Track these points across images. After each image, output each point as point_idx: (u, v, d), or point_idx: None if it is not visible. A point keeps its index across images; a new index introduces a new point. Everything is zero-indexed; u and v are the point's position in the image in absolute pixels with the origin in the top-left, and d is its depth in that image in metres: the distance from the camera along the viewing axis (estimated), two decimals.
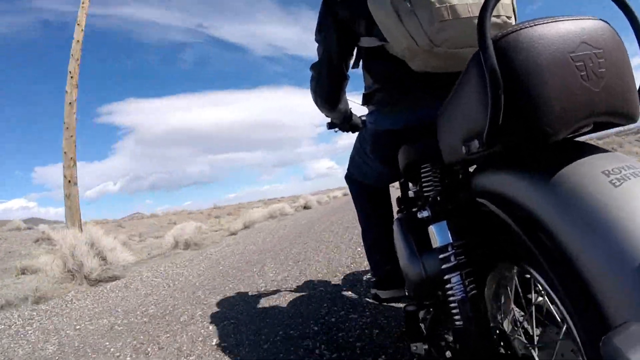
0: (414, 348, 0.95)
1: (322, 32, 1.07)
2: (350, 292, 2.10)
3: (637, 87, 0.56)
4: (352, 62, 1.11)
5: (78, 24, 6.58)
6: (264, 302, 2.16)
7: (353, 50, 1.08)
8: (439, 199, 0.87)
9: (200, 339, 1.77)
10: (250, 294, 2.41)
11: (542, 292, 0.66)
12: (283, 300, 2.17)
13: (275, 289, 2.43)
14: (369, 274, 2.28)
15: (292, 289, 2.34)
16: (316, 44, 1.11)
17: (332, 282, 2.37)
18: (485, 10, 0.52)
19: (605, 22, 0.55)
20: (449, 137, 0.68)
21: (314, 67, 1.15)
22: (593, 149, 0.53)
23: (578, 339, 0.44)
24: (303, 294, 2.22)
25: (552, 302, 0.51)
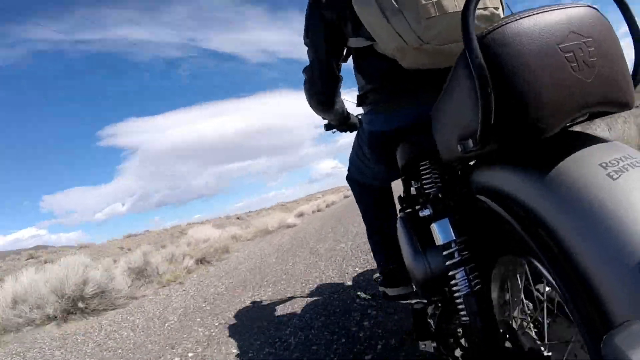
0: (423, 346, 0.94)
1: (311, 35, 1.06)
2: (361, 292, 2.10)
3: (631, 73, 0.55)
4: (341, 61, 1.10)
5: None
6: (279, 310, 2.17)
7: (342, 51, 1.07)
8: (440, 196, 0.87)
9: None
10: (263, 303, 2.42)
11: (548, 285, 0.65)
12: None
13: (290, 295, 2.43)
14: (377, 273, 2.28)
15: (305, 295, 2.35)
16: (306, 48, 1.10)
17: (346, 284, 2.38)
18: (468, 8, 0.51)
19: (594, 8, 0.54)
20: (444, 136, 0.67)
21: (305, 70, 1.14)
22: (590, 139, 0.53)
23: (582, 335, 0.44)
24: (317, 298, 2.23)
25: (557, 294, 0.50)
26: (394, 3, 0.77)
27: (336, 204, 17.51)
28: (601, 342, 0.32)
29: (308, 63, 1.13)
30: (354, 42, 0.98)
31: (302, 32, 1.08)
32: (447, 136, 0.65)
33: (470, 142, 0.56)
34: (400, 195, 1.17)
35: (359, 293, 2.02)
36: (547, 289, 0.66)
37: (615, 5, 0.58)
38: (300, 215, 12.01)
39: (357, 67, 1.06)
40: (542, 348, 0.63)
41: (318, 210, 14.23)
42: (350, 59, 1.09)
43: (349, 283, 2.36)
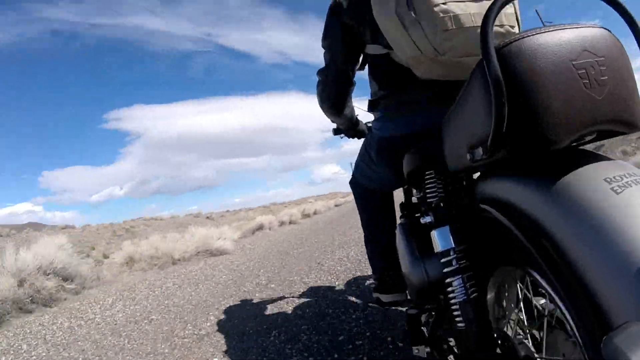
0: (416, 351, 0.95)
1: (328, 39, 1.08)
2: (353, 298, 2.10)
3: None
4: (357, 67, 1.12)
5: None
6: (270, 310, 2.14)
7: (359, 56, 1.09)
8: (442, 204, 0.88)
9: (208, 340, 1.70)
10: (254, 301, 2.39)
11: (545, 295, 0.66)
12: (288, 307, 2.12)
13: (280, 295, 2.41)
14: (372, 279, 2.29)
15: (297, 296, 2.34)
16: (322, 50, 1.13)
17: (337, 288, 2.37)
18: (487, 19, 0.53)
19: (607, 30, 0.56)
20: (454, 144, 0.69)
21: (320, 72, 1.17)
22: (595, 157, 0.54)
23: (579, 340, 0.45)
24: (308, 300, 2.22)
25: (555, 304, 0.52)
26: (413, 14, 0.79)
27: (319, 214, 13.38)
28: (600, 344, 0.33)
29: (323, 65, 1.15)
30: (372, 49, 1.00)
31: (319, 37, 1.11)
32: (457, 144, 0.67)
33: (480, 151, 0.57)
34: (402, 202, 1.18)
35: None
36: (543, 301, 0.67)
37: (627, 30, 0.60)
38: (257, 229, 7.96)
39: (372, 74, 1.08)
40: (535, 355, 0.64)
41: (290, 222, 9.92)
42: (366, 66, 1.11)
43: None
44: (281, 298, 2.31)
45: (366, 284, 2.30)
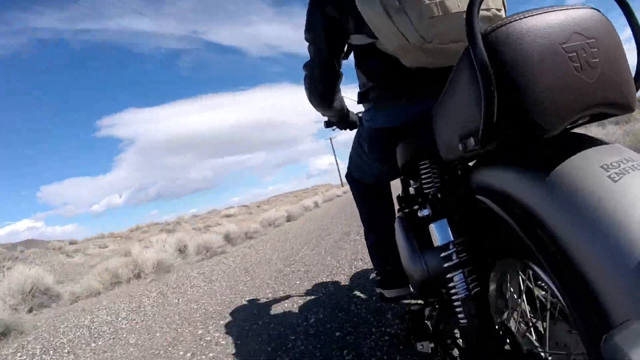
0: (420, 347, 0.94)
1: (312, 31, 1.05)
2: (357, 292, 2.09)
3: (633, 76, 0.55)
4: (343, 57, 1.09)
5: None
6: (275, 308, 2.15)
7: (343, 48, 1.06)
8: (438, 196, 0.86)
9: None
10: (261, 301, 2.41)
11: (546, 287, 0.65)
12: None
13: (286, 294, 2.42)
14: (375, 273, 2.28)
15: (301, 294, 2.34)
16: (307, 43, 1.10)
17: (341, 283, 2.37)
18: (473, 5, 0.51)
19: (597, 10, 0.54)
20: (445, 135, 0.67)
21: (306, 66, 1.14)
22: (591, 141, 0.52)
23: (581, 335, 0.44)
24: (312, 297, 2.22)
25: (556, 297, 0.50)
26: (397, 2, 0.76)
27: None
28: (601, 342, 0.31)
29: (308, 59, 1.13)
30: (356, 39, 0.97)
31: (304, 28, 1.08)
32: (448, 135, 0.65)
33: (472, 141, 0.55)
34: (399, 194, 1.17)
35: None
36: (544, 292, 0.66)
37: (618, 11, 0.58)
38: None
39: (359, 65, 1.06)
40: (541, 352, 0.62)
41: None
42: (352, 56, 1.09)
43: None
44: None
45: (370, 278, 2.29)
